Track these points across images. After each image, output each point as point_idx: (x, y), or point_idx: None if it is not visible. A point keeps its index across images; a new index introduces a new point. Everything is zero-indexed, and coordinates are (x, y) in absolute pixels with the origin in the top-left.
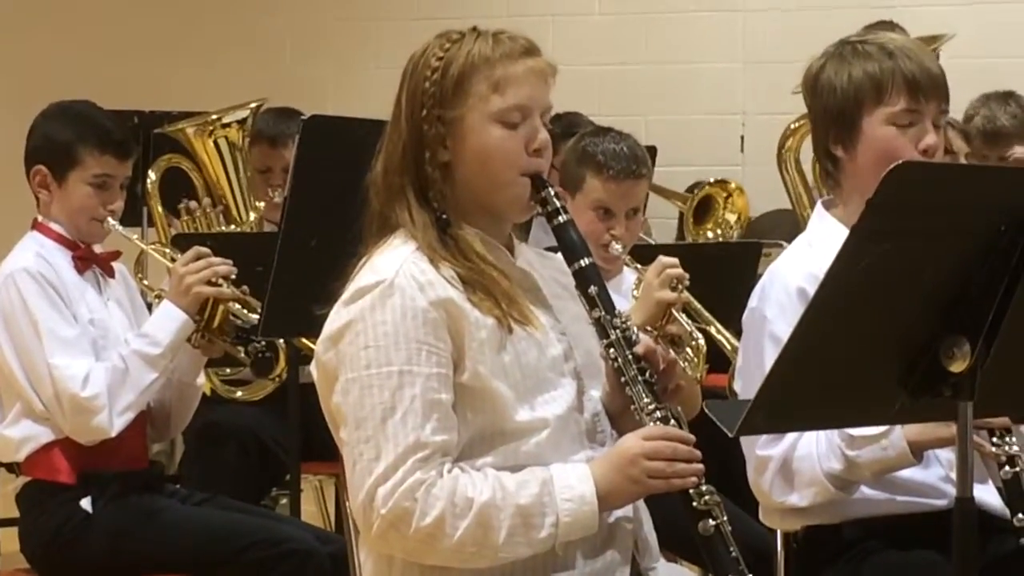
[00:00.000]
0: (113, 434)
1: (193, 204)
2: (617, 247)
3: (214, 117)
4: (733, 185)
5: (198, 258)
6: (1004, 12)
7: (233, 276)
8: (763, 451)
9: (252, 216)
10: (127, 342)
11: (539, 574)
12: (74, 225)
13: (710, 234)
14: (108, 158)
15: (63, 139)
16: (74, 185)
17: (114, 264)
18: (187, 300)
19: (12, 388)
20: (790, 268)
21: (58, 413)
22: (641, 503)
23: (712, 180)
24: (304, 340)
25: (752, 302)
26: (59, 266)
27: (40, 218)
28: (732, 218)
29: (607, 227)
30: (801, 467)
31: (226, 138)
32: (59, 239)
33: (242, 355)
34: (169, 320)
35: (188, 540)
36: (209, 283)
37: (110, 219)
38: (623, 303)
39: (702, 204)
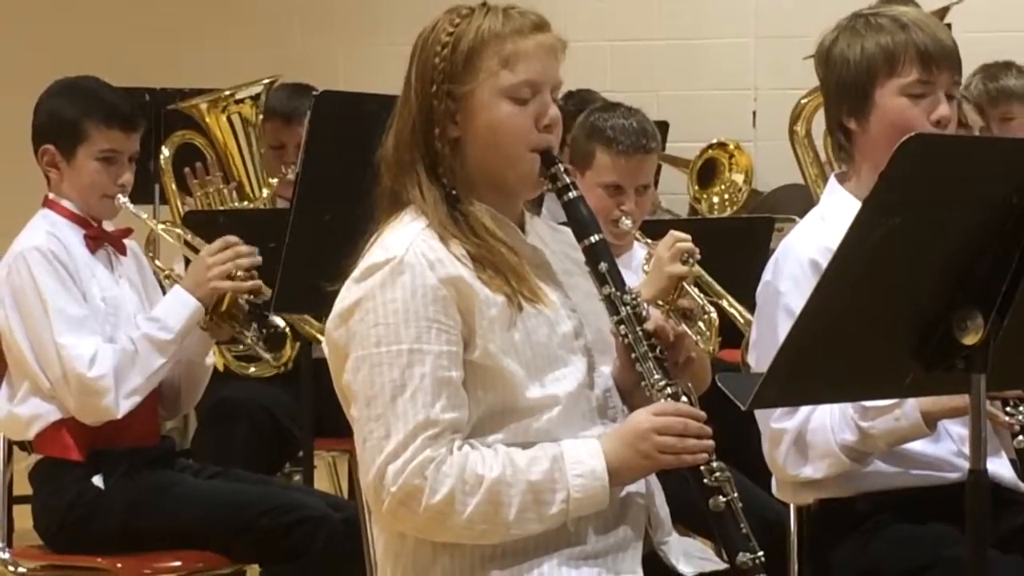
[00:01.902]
0: (119, 416)
1: (199, 165)
2: (627, 222)
3: (227, 93)
4: (732, 146)
5: (225, 248)
6: None
7: (258, 265)
8: (778, 424)
9: (265, 192)
10: (138, 325)
11: (551, 550)
12: (85, 202)
13: (716, 199)
14: (115, 132)
15: (68, 115)
16: (82, 161)
17: (126, 241)
18: (204, 291)
19: (20, 367)
20: (803, 241)
21: (64, 393)
22: (653, 477)
23: (713, 142)
24: (309, 330)
25: (766, 276)
26: (70, 244)
27: (51, 196)
28: (739, 178)
29: (617, 203)
30: (815, 439)
31: (239, 114)
32: (71, 216)
33: (249, 339)
34: (181, 306)
35: (200, 512)
36: (228, 276)
37: (121, 196)
38: (633, 279)
39: (707, 169)
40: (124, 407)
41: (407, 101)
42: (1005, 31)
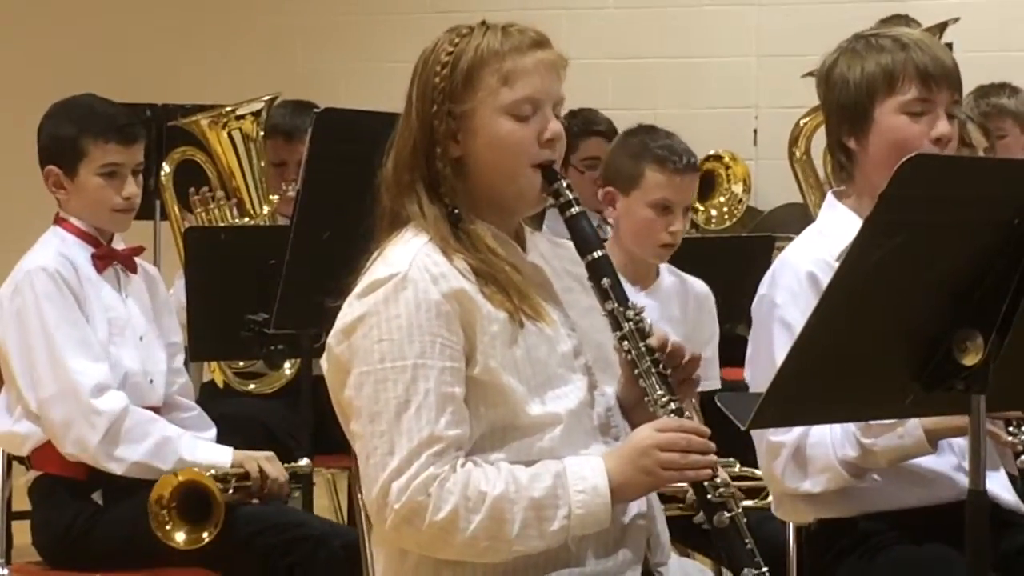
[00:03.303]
0: (86, 457)
1: (205, 189)
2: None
3: (228, 109)
4: (728, 157)
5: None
6: (1015, 5)
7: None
8: (776, 437)
9: (266, 209)
10: (179, 433)
11: (551, 570)
12: (95, 219)
13: (714, 211)
14: (113, 146)
15: (67, 134)
16: (85, 179)
17: (141, 261)
18: (242, 459)
19: (14, 384)
20: (800, 254)
21: (53, 408)
22: (655, 499)
23: (710, 153)
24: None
25: (762, 289)
26: (79, 263)
27: (61, 213)
28: (739, 189)
29: (666, 223)
30: (815, 453)
31: (240, 130)
32: (80, 234)
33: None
34: (219, 452)
35: None
36: (264, 475)
37: None
38: (656, 308)
39: (704, 181)
40: (101, 458)
41: (408, 121)
42: (1006, 51)
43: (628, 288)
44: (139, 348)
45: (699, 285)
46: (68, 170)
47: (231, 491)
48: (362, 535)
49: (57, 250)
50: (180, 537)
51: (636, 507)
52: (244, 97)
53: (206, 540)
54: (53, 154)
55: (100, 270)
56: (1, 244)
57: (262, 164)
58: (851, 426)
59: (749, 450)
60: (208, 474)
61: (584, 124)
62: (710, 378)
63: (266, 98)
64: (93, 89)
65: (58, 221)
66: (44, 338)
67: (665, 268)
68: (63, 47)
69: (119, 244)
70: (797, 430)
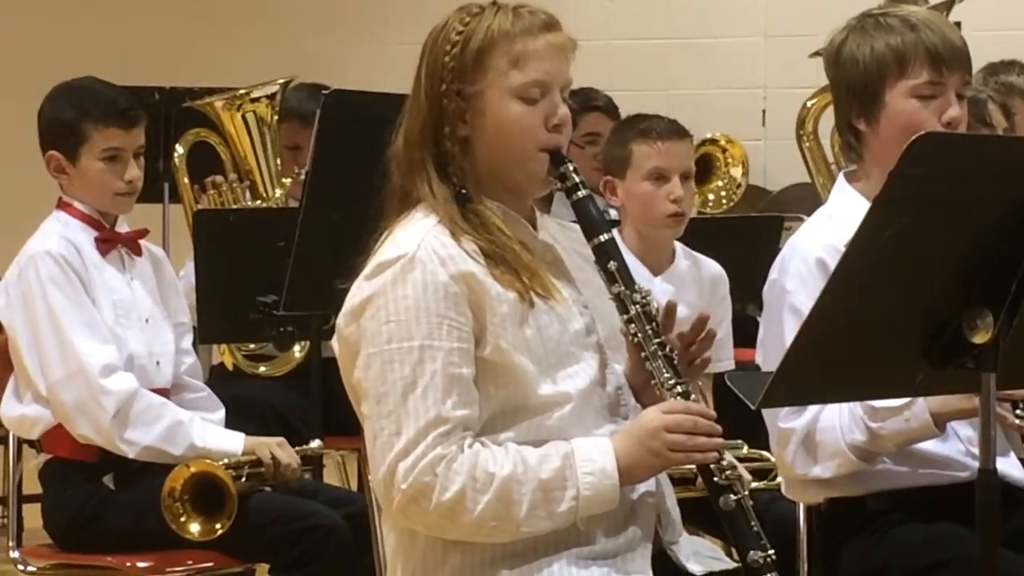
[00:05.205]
0: (99, 439)
1: (220, 179)
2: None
3: (243, 92)
4: (724, 140)
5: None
6: None
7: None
8: (785, 424)
9: (278, 192)
10: (191, 417)
11: (560, 550)
12: (98, 203)
13: (711, 195)
14: (114, 130)
15: (67, 118)
16: (87, 163)
17: (146, 243)
18: (254, 445)
19: (23, 369)
20: (810, 240)
21: (64, 390)
22: (664, 477)
23: (706, 137)
24: None
25: (772, 274)
26: (82, 246)
27: (64, 197)
28: (737, 172)
29: (665, 192)
30: (824, 439)
31: (254, 113)
32: (83, 218)
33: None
34: (231, 438)
35: None
36: (276, 461)
37: None
38: (671, 292)
39: (702, 165)
40: (115, 436)
41: (417, 100)
42: (1015, 29)
43: (644, 275)
44: (145, 331)
45: (713, 266)
46: (69, 155)
47: (243, 479)
48: (372, 516)
49: (60, 234)
50: (195, 529)
51: (644, 485)
52: (253, 80)
53: (219, 532)
54: (54, 139)
55: (104, 253)
56: (4, 230)
57: (275, 148)
58: (858, 410)
59: (761, 432)
60: (220, 463)
61: (583, 100)
62: (724, 359)
63: (281, 81)
64: (100, 72)
65: (61, 205)
66: (50, 322)
67: (680, 251)
68: (69, 30)
69: (123, 227)
70: (806, 417)
